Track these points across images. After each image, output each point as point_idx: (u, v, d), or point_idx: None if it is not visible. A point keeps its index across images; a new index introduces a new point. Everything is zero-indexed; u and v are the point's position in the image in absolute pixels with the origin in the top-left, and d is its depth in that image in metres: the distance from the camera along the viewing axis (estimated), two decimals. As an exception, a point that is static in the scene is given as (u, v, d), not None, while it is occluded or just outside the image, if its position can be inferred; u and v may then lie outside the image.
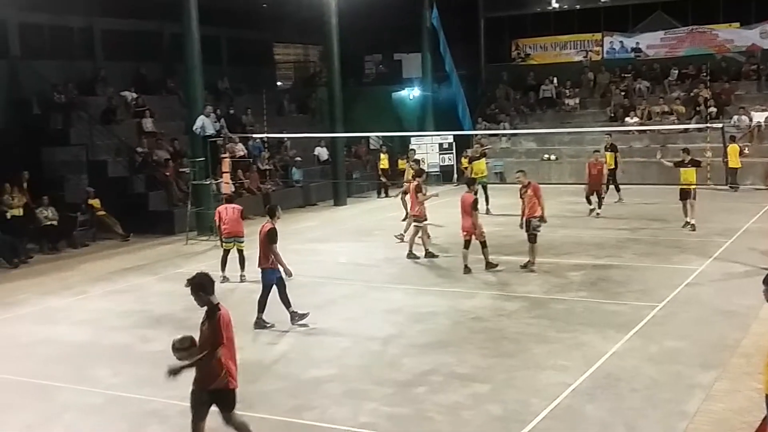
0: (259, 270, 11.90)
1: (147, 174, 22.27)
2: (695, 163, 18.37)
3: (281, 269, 11.73)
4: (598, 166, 20.91)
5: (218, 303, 7.03)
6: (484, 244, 15.02)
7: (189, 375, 9.80)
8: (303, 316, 11.77)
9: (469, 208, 14.81)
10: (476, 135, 30.67)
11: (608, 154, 22.42)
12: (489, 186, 22.25)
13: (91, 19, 25.44)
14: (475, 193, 15.74)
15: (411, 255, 16.24)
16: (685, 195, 18.14)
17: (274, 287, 11.75)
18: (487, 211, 20.88)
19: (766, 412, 6.34)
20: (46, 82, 22.66)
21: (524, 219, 15.01)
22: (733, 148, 23.82)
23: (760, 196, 21.28)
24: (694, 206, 18.08)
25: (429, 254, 16.26)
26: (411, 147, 23.30)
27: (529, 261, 14.91)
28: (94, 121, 22.66)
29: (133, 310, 13.22)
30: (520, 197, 15.13)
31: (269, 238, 11.69)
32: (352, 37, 31.02)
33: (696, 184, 18.26)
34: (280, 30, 32.98)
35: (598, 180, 20.74)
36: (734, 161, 23.56)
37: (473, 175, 21.46)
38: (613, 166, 22.36)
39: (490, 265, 14.92)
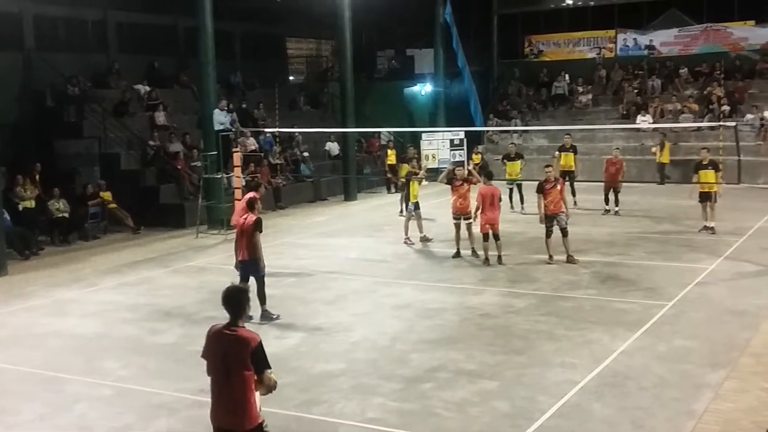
0: (243, 263, 11.88)
1: (159, 167, 22.35)
2: (715, 165, 17.71)
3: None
4: (617, 165, 20.78)
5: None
6: (497, 237, 15.12)
7: (192, 368, 9.90)
8: (273, 317, 11.78)
9: (497, 201, 15.09)
10: (488, 132, 30.77)
11: (565, 155, 21.84)
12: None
13: (105, 12, 25.57)
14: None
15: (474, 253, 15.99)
16: (705, 197, 17.64)
17: (252, 280, 11.73)
18: (522, 209, 20.98)
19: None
20: (60, 75, 22.77)
21: (548, 214, 15.06)
22: (666, 146, 24.91)
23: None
24: (714, 209, 17.65)
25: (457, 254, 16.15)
26: (409, 146, 23.40)
27: (569, 255, 15.04)
28: (107, 114, 22.75)
29: (143, 302, 13.29)
30: (541, 192, 15.12)
31: (257, 227, 11.67)
32: (365, 32, 31.08)
33: (717, 186, 17.59)
34: (293, 25, 33.03)
35: (616, 178, 20.62)
36: (665, 157, 24.29)
37: (508, 176, 21.48)
38: (572, 168, 21.75)
39: (501, 259, 15.11)
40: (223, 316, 12.35)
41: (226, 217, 19.14)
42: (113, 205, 20.61)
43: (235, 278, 14.12)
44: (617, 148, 22.28)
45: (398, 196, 22.55)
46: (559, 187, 15.13)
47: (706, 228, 17.69)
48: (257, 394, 5.80)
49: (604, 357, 9.73)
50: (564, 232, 15.06)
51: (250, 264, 11.79)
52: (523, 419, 8.04)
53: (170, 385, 9.27)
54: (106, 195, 20.59)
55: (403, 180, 20.83)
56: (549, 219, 15.10)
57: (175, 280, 15.03)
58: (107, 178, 21.31)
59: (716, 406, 8.21)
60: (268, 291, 11.96)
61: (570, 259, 15.01)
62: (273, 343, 10.87)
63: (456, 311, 12.13)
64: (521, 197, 21.27)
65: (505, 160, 22.19)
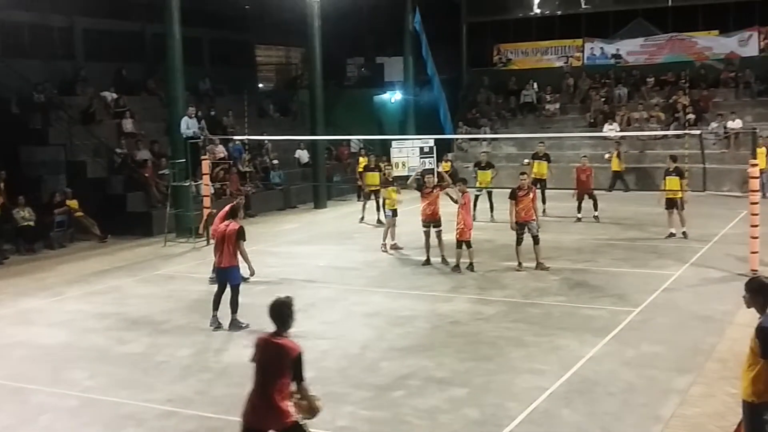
0: (221, 269, 11.88)
1: (126, 175, 22.14)
2: (680, 172, 18.00)
3: (247, 267, 11.82)
4: (587, 172, 21.02)
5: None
6: (469, 244, 15.16)
7: (160, 378, 9.81)
8: (242, 326, 11.71)
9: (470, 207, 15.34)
10: (457, 139, 30.93)
11: (538, 162, 22.18)
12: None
13: (72, 19, 25.31)
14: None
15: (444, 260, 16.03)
16: (671, 204, 17.93)
17: (228, 287, 11.78)
18: (492, 217, 21.04)
19: (741, 417, 6.41)
20: (25, 81, 22.48)
21: (519, 222, 15.09)
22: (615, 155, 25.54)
23: (736, 202, 21.47)
24: (683, 215, 17.88)
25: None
26: (369, 154, 23.64)
27: (539, 262, 15.09)
28: (73, 121, 22.51)
29: (110, 312, 13.13)
30: (514, 198, 15.15)
31: (240, 236, 11.72)
32: (335, 39, 31.01)
33: (682, 192, 17.85)
34: (262, 31, 32.95)
35: (587, 185, 20.86)
36: (616, 166, 25.14)
37: (478, 184, 21.56)
38: (544, 176, 22.06)
39: (472, 266, 15.17)
40: (191, 326, 12.33)
41: (194, 225, 19.01)
42: (80, 214, 20.35)
43: (203, 286, 14.10)
44: (585, 156, 22.53)
45: (367, 203, 22.58)
46: (531, 194, 15.22)
47: (672, 234, 17.93)
48: (291, 403, 6.13)
49: (572, 363, 9.80)
50: (535, 240, 15.14)
51: (228, 272, 11.79)
52: (492, 426, 8.06)
53: (138, 395, 9.18)
54: (73, 203, 20.34)
55: (373, 188, 21.12)
56: (520, 226, 15.17)
57: (143, 289, 14.88)
58: (73, 185, 21.03)
59: (683, 411, 8.30)
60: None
61: (540, 266, 15.10)
62: (242, 352, 10.79)
63: (426, 319, 12.15)
64: (491, 205, 21.37)
65: (476, 169, 22.31)
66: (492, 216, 21.15)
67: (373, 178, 21.86)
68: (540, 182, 21.44)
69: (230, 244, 11.70)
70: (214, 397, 9.15)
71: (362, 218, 21.93)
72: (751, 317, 6.28)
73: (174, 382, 9.58)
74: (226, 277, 11.83)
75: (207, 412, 8.67)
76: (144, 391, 9.34)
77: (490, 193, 21.57)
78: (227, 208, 12.80)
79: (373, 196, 21.92)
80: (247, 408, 6.20)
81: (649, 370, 9.53)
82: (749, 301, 6.24)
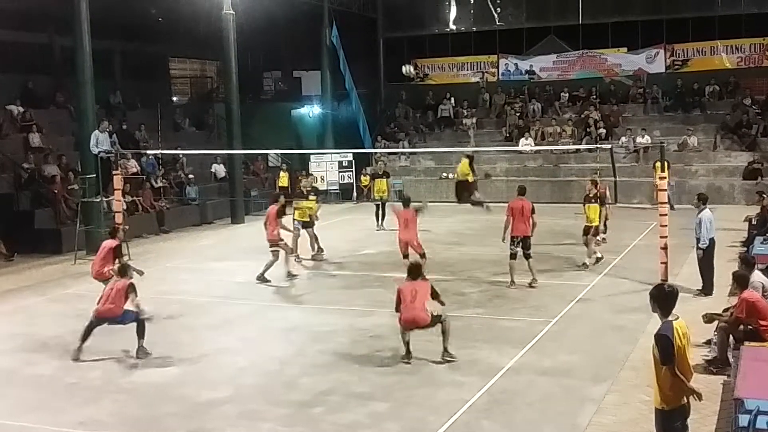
0: (111, 319, 11.32)
1: (33, 191, 21.36)
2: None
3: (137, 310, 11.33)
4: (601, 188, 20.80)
5: None
6: (423, 255, 15.00)
7: (70, 400, 9.45)
8: (148, 354, 11.21)
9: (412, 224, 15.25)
10: (375, 153, 31.05)
11: (380, 180, 22.83)
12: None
13: (-25, 30, 24.36)
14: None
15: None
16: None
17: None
18: (381, 227, 21.41)
19: (654, 423, 6.53)
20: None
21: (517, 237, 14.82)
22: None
23: (646, 214, 22.11)
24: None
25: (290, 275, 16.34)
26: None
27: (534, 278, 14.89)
28: (-23, 135, 21.66)
29: (17, 332, 12.60)
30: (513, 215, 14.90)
31: (131, 290, 11.12)
32: (251, 53, 30.77)
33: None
34: (176, 44, 32.41)
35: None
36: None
37: (375, 193, 21.73)
38: (384, 193, 22.59)
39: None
40: (103, 346, 11.85)
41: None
42: (-16, 231, 19.54)
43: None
44: (596, 172, 20.84)
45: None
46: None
47: None
48: None
49: (492, 374, 9.87)
50: (527, 256, 14.86)
51: (121, 318, 11.15)
52: (414, 440, 8.03)
53: (47, 419, 8.81)
54: (-24, 220, 19.52)
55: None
56: (513, 241, 14.85)
57: (52, 308, 14.34)
58: (-23, 202, 20.21)
59: (599, 419, 8.44)
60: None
61: (533, 282, 14.82)
62: (156, 371, 10.51)
63: (346, 333, 12.06)
64: (383, 214, 21.73)
65: (374, 179, 22.65)
66: (382, 225, 21.42)
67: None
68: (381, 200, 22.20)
69: (120, 297, 11.04)
70: (128, 418, 8.86)
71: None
72: (662, 326, 6.42)
73: (86, 405, 9.23)
74: (121, 322, 11.15)
75: (120, 435, 8.38)
76: (54, 414, 8.97)
77: (384, 203, 21.85)
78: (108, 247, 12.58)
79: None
80: None
81: (566, 380, 9.67)
82: (653, 307, 6.40)
